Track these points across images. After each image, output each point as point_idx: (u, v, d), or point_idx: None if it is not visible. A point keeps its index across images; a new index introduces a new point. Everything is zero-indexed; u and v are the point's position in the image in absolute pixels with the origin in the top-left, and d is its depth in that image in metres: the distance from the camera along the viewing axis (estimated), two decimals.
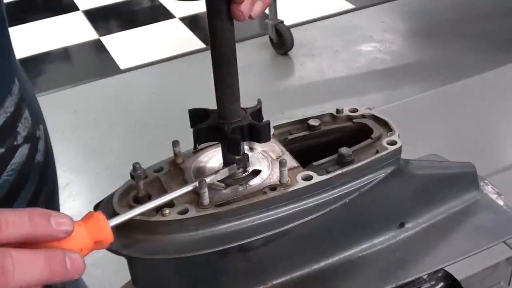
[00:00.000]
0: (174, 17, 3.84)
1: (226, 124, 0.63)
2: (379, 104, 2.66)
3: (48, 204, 0.85)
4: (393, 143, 0.69)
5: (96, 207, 0.65)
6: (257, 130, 0.63)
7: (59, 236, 0.48)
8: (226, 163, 0.66)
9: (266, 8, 0.65)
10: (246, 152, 0.67)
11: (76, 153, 2.80)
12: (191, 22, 3.78)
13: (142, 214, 0.60)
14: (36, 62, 3.48)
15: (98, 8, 4.04)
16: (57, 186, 0.90)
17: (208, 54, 0.63)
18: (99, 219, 0.52)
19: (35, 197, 0.80)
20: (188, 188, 0.62)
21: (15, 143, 0.75)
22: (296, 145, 0.73)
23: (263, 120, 0.65)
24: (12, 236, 0.47)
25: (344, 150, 0.67)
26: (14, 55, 0.79)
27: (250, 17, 0.60)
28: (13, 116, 0.74)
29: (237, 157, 0.65)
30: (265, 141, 0.64)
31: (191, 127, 0.65)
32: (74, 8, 4.05)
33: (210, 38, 0.60)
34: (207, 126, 0.64)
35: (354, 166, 0.66)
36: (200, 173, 0.67)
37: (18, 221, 0.47)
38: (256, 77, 3.10)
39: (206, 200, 0.61)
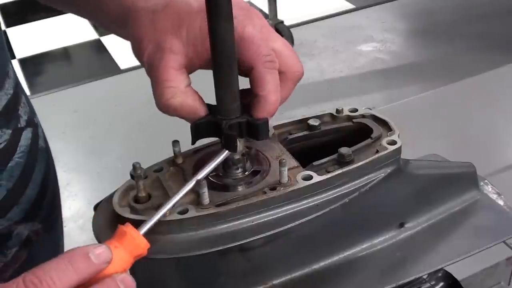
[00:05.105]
0: None
1: (224, 120, 0.63)
2: (379, 104, 2.66)
3: (55, 188, 0.88)
4: (393, 143, 0.69)
5: (96, 207, 0.65)
6: (255, 127, 0.63)
7: (102, 268, 0.50)
8: (226, 162, 0.66)
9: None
10: (245, 152, 0.67)
11: (76, 153, 2.80)
12: None
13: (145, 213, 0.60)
14: (36, 62, 3.48)
15: None
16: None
17: None
18: (133, 236, 0.53)
19: (45, 180, 0.82)
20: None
21: (19, 126, 0.76)
22: (296, 145, 0.73)
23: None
24: None
25: (344, 150, 0.67)
26: (4, 43, 0.79)
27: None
28: (13, 98, 0.75)
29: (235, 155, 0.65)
30: (263, 139, 0.64)
31: None
32: None
33: (210, 38, 0.60)
34: (205, 121, 0.63)
35: (354, 166, 0.66)
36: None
37: (63, 274, 0.48)
38: None
39: (206, 200, 0.61)
